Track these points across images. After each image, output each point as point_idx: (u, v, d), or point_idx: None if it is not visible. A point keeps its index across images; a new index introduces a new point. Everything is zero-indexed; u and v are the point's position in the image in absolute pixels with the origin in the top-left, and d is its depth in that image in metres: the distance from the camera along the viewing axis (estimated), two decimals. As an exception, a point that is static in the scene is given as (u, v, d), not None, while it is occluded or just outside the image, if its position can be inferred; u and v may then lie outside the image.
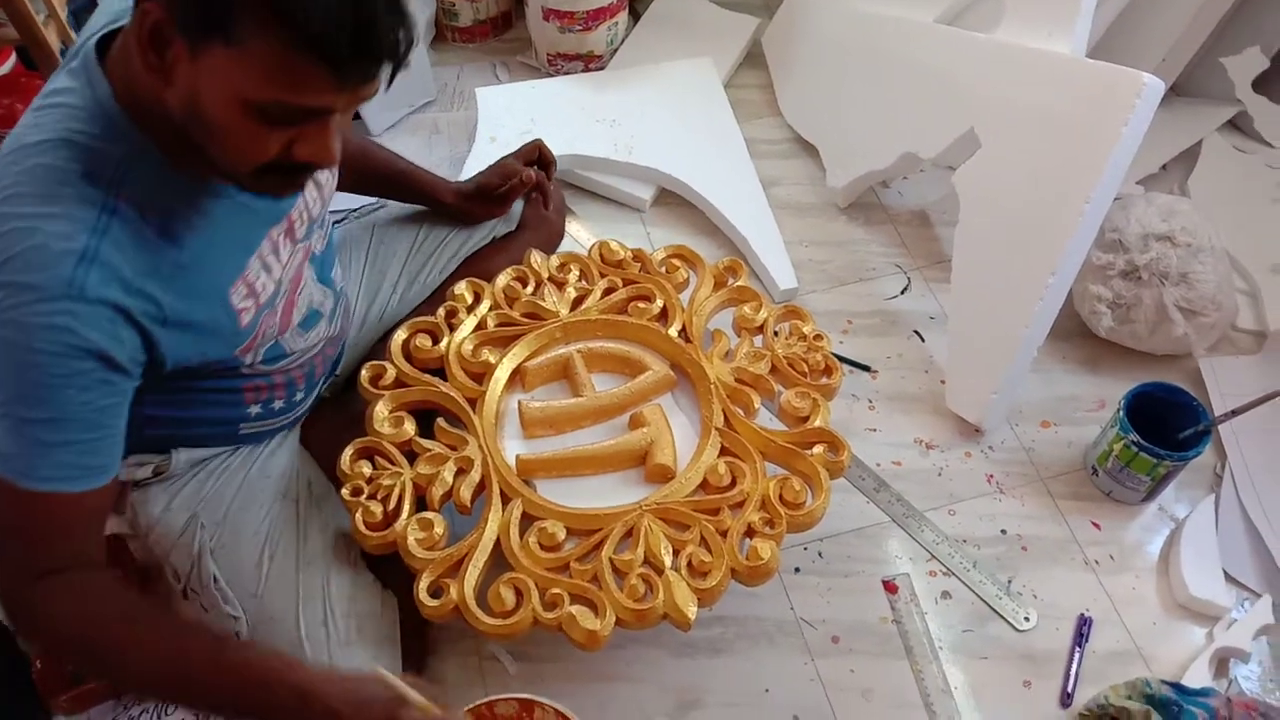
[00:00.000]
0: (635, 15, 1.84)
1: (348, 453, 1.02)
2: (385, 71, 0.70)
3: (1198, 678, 1.10)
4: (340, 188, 1.21)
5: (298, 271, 0.96)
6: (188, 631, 0.82)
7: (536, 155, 1.26)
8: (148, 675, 0.79)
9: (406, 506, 0.99)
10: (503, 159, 1.25)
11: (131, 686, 0.87)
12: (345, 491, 1.00)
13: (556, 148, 1.35)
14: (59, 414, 0.72)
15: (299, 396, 1.03)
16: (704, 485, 1.03)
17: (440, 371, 1.10)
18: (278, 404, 1.01)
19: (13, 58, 1.40)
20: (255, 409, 0.98)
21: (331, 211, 1.19)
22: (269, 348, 0.93)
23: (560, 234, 1.35)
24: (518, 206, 1.29)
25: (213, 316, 0.83)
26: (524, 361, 1.12)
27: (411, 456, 1.03)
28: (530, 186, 1.22)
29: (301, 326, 0.97)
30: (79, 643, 0.78)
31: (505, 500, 1.00)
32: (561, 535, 0.98)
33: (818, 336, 1.15)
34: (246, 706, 0.79)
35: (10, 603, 0.79)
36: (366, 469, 1.02)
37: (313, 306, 0.99)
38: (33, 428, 0.72)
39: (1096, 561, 1.21)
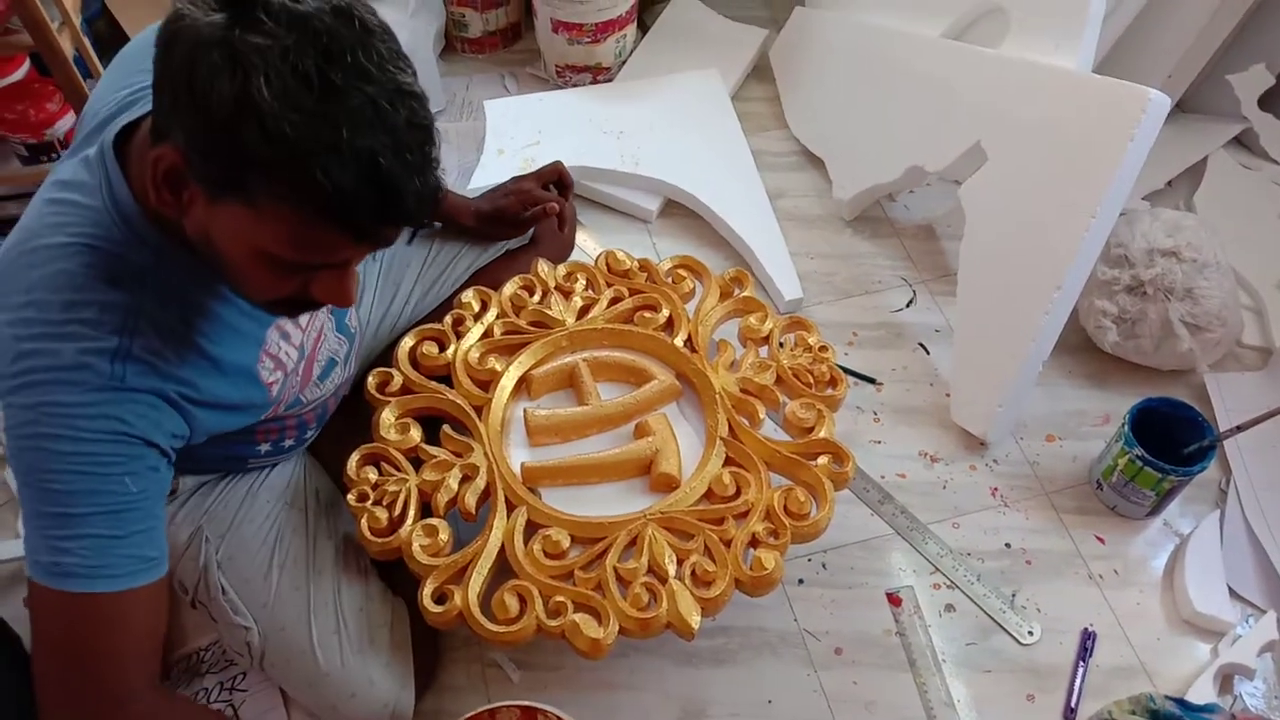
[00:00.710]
0: (643, 28, 1.85)
1: (354, 458, 1.02)
2: (407, 232, 0.70)
3: (1202, 694, 1.09)
4: None
5: (318, 331, 0.96)
6: None
7: (556, 177, 1.27)
8: None
9: (411, 513, 0.99)
10: (521, 179, 1.25)
11: None
12: (351, 497, 1.00)
13: (565, 159, 1.36)
14: (119, 505, 0.71)
15: (309, 434, 1.04)
16: (708, 495, 1.03)
17: (447, 379, 1.10)
18: (288, 442, 1.01)
19: (26, 64, 1.41)
20: (265, 447, 0.99)
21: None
22: (287, 405, 0.94)
23: (570, 248, 1.36)
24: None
25: (246, 395, 0.83)
26: (530, 369, 1.12)
27: (417, 463, 1.04)
28: (554, 214, 1.23)
29: (320, 379, 0.98)
30: None
31: (510, 507, 1.01)
32: (566, 543, 0.98)
33: (823, 348, 1.16)
34: None
35: None
36: (372, 475, 1.02)
37: (331, 356, 1.00)
38: (92, 524, 0.70)
39: (1101, 576, 1.21)
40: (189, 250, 0.73)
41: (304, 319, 0.90)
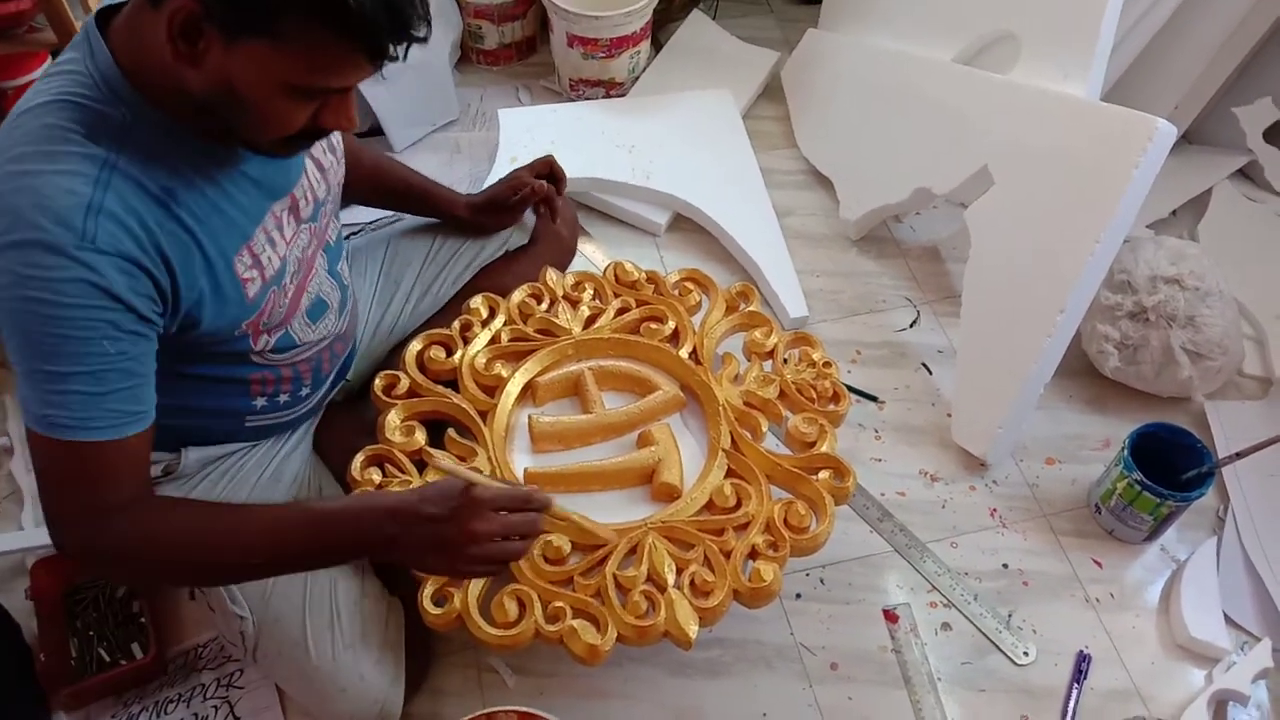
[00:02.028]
0: (657, 45, 1.87)
1: (358, 459, 1.03)
2: (405, 47, 0.75)
3: (1195, 719, 1.09)
4: (357, 201, 1.23)
5: (310, 257, 0.98)
6: (267, 510, 0.89)
7: (548, 170, 1.29)
8: (245, 557, 0.84)
9: (414, 514, 1.00)
10: (514, 171, 1.27)
11: (229, 574, 0.90)
12: (354, 497, 1.01)
13: (575, 170, 1.37)
14: (99, 366, 0.75)
15: (304, 392, 1.05)
16: (709, 506, 1.04)
17: (453, 383, 1.11)
18: (283, 398, 1.02)
19: (48, 61, 1.43)
20: (260, 401, 0.99)
21: (347, 225, 1.21)
22: (279, 337, 0.95)
23: (572, 249, 1.37)
24: (531, 220, 1.30)
25: (217, 282, 0.84)
26: (536, 376, 1.13)
27: (421, 465, 1.05)
28: (539, 197, 1.24)
29: (309, 316, 0.99)
30: (179, 560, 0.83)
31: (512, 512, 1.01)
32: (566, 549, 0.99)
33: (827, 364, 1.17)
34: (344, 548, 0.86)
35: (89, 550, 0.81)
36: (376, 476, 1.03)
37: (320, 296, 1.00)
38: (75, 382, 0.74)
39: (1097, 599, 1.21)
40: (168, 115, 0.78)
41: (288, 230, 0.92)
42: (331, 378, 1.10)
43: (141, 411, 0.79)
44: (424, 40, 0.75)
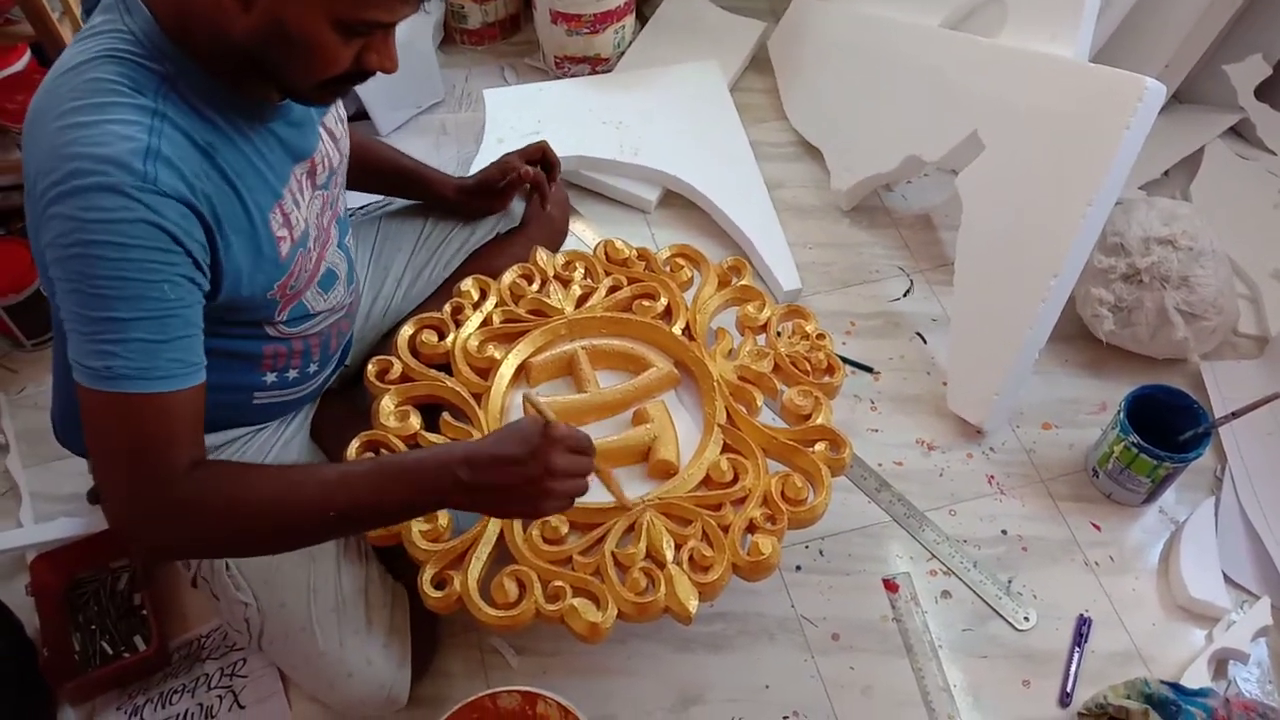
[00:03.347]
0: (642, 19, 1.85)
1: (354, 445, 1.03)
2: None
3: (1196, 678, 1.10)
4: (349, 186, 1.22)
5: (327, 227, 0.98)
6: (335, 467, 0.87)
7: (540, 156, 1.28)
8: (332, 516, 0.81)
9: (411, 499, 1.00)
10: (506, 155, 1.26)
11: (308, 535, 0.86)
12: (351, 483, 1.01)
13: (563, 149, 1.36)
14: (161, 311, 0.74)
15: (312, 369, 1.04)
16: (706, 481, 1.04)
17: (446, 367, 1.11)
18: (292, 374, 1.02)
19: (27, 54, 1.42)
20: (271, 377, 0.99)
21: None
22: (294, 307, 0.95)
23: (564, 232, 1.36)
24: (521, 203, 1.30)
25: (255, 237, 0.84)
26: (529, 357, 1.13)
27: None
28: (529, 180, 1.24)
29: (321, 285, 0.99)
30: (258, 521, 0.80)
31: (509, 494, 1.01)
32: (564, 529, 0.99)
33: (820, 336, 1.16)
34: (421, 499, 0.84)
35: (154, 518, 0.78)
36: (372, 462, 1.02)
37: (331, 267, 1.00)
38: (138, 329, 0.73)
39: (1096, 562, 1.21)
40: (206, 70, 0.78)
41: (306, 194, 0.93)
42: (336, 357, 1.10)
43: (198, 363, 0.78)
44: None
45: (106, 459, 0.78)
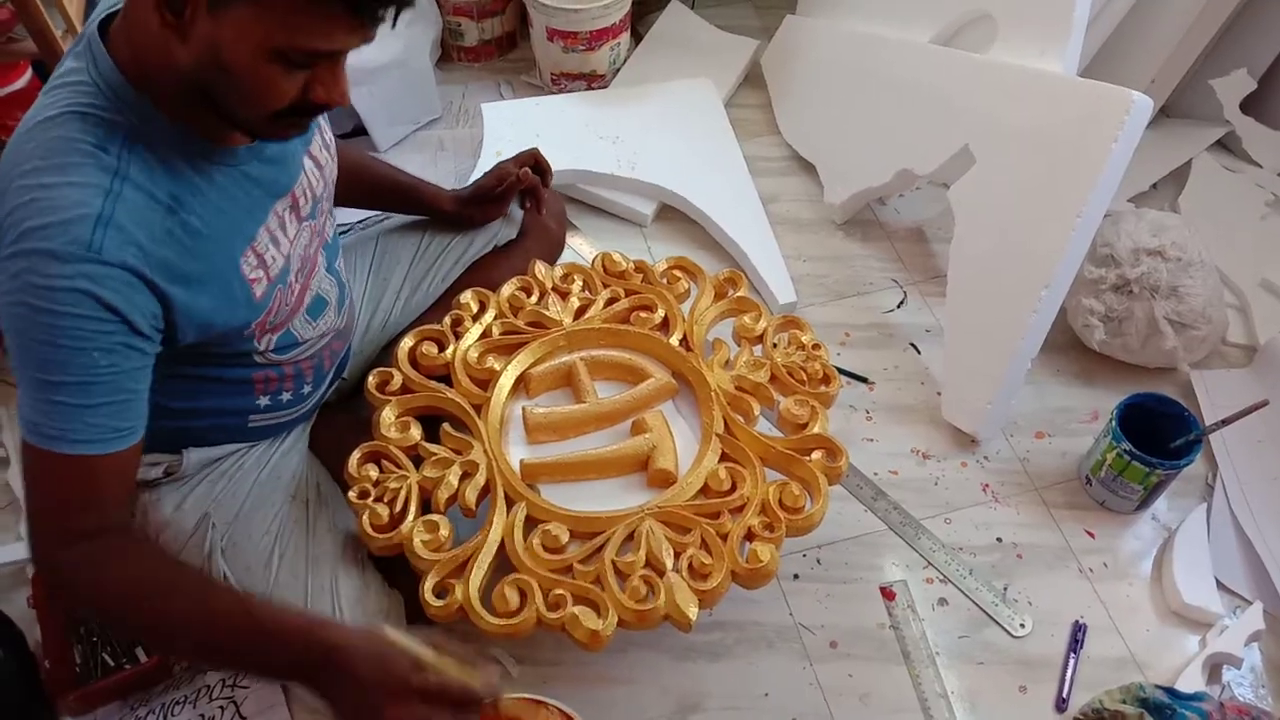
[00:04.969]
0: (637, 37, 1.88)
1: (355, 456, 1.04)
2: (393, 10, 0.73)
3: (1191, 683, 1.11)
4: (343, 203, 1.23)
5: (313, 256, 0.98)
6: (219, 593, 0.84)
7: (533, 161, 1.29)
8: (183, 641, 0.81)
9: (413, 509, 1.01)
10: (500, 163, 1.28)
11: (167, 651, 0.91)
12: (352, 494, 1.01)
13: (560, 163, 1.38)
14: (87, 378, 0.75)
15: (306, 390, 1.05)
16: (705, 490, 1.05)
17: (446, 378, 1.12)
18: (285, 396, 1.02)
19: (29, 72, 1.43)
20: (264, 400, 1.00)
21: (337, 224, 1.21)
22: (281, 335, 0.95)
23: (561, 242, 1.38)
24: (519, 215, 1.31)
25: (226, 284, 0.85)
26: (528, 369, 1.14)
27: (417, 461, 1.05)
28: (524, 184, 1.25)
29: (309, 313, 0.99)
30: (117, 611, 0.81)
31: (510, 503, 1.02)
32: (565, 538, 1.00)
33: (816, 346, 1.18)
34: (277, 664, 0.81)
35: (51, 570, 0.81)
36: (373, 472, 1.03)
37: (320, 293, 1.01)
38: (63, 392, 0.74)
39: (1091, 569, 1.22)
40: (171, 116, 0.78)
41: (290, 229, 0.93)
42: (331, 375, 1.11)
43: (127, 429, 0.79)
44: (409, 4, 0.74)
45: (28, 499, 0.80)
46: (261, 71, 0.74)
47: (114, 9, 0.80)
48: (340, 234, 1.27)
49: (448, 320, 1.16)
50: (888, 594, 1.20)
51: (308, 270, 0.97)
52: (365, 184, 1.22)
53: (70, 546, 0.78)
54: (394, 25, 0.75)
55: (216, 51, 0.73)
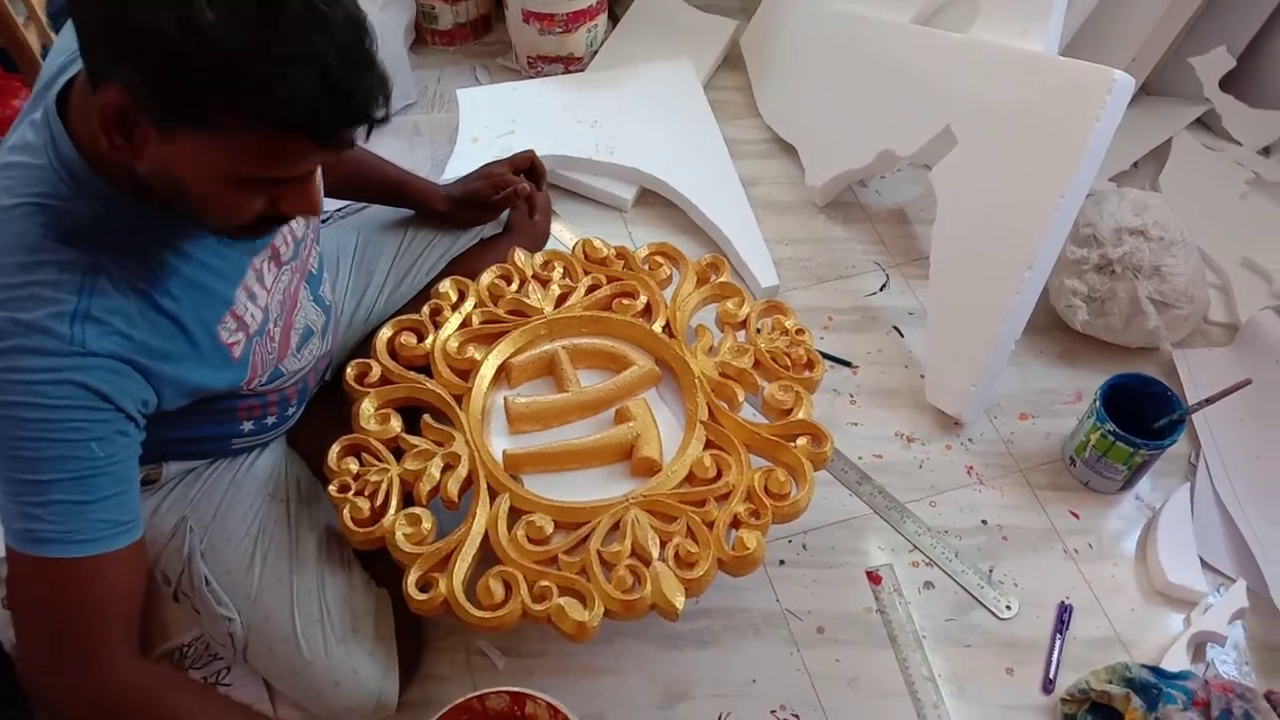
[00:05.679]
0: (614, 18, 1.85)
1: (334, 450, 1.02)
2: (364, 131, 0.69)
3: (1176, 662, 1.11)
4: (333, 195, 1.21)
5: (293, 296, 0.96)
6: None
7: (528, 165, 1.27)
8: None
9: (394, 502, 0.99)
10: (492, 164, 1.25)
11: None
12: (332, 488, 1.00)
13: (539, 149, 1.36)
14: (86, 471, 0.71)
15: (290, 411, 1.04)
16: (690, 478, 1.04)
17: (426, 369, 1.10)
18: (270, 419, 1.01)
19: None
20: (248, 425, 0.98)
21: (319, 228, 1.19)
22: (270, 373, 0.94)
23: (545, 236, 1.37)
24: (506, 209, 1.29)
25: (202, 355, 0.82)
26: (509, 358, 1.13)
27: (398, 453, 1.04)
28: (524, 196, 1.23)
29: (296, 349, 0.98)
30: None
31: (493, 495, 1.01)
32: (549, 529, 0.99)
33: (799, 331, 1.17)
34: None
35: (49, 705, 0.76)
36: (354, 466, 1.02)
37: (308, 326, 0.99)
38: (59, 490, 0.71)
39: (1076, 550, 1.23)
40: (138, 200, 0.73)
41: (268, 279, 0.90)
42: (314, 389, 1.09)
43: (130, 521, 0.76)
44: (383, 121, 0.69)
45: (23, 625, 0.75)
46: (225, 195, 0.70)
47: (70, 73, 0.75)
48: (320, 223, 1.25)
49: (426, 310, 1.14)
50: (874, 578, 1.20)
51: (288, 309, 0.94)
52: (355, 178, 1.20)
53: (113, 667, 0.74)
54: (367, 138, 0.70)
55: (173, 172, 0.69)
